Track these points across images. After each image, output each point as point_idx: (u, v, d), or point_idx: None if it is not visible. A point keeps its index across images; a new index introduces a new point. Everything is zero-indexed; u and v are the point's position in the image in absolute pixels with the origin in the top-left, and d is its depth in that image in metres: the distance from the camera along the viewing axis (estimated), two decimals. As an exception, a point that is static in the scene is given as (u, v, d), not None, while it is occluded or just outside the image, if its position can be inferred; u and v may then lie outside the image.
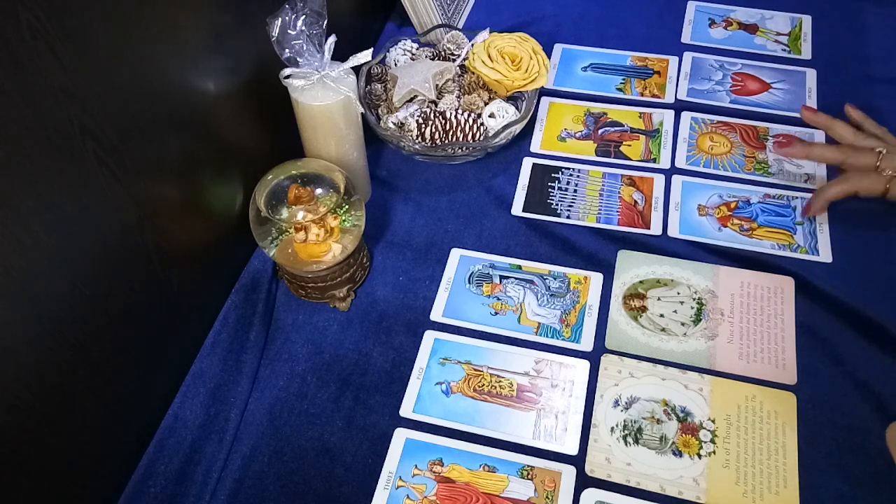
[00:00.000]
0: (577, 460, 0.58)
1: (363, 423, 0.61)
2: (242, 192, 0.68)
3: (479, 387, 0.62)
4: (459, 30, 0.88)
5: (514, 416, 0.61)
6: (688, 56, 0.91)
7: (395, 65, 0.85)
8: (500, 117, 0.79)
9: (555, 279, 0.70)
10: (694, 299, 0.67)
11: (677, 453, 0.58)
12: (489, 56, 0.79)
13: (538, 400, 0.61)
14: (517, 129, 0.78)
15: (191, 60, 0.57)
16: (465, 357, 0.64)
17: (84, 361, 0.50)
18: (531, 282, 0.70)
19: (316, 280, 0.66)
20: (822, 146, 0.75)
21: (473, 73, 0.81)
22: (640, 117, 0.84)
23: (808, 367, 0.62)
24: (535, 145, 0.82)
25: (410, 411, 0.61)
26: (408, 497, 0.57)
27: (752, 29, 0.95)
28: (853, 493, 0.55)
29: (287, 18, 0.59)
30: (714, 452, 0.58)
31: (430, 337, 0.66)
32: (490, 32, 0.83)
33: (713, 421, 0.59)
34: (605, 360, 0.64)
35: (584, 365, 0.63)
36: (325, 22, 0.61)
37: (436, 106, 0.80)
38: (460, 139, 0.76)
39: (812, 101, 0.85)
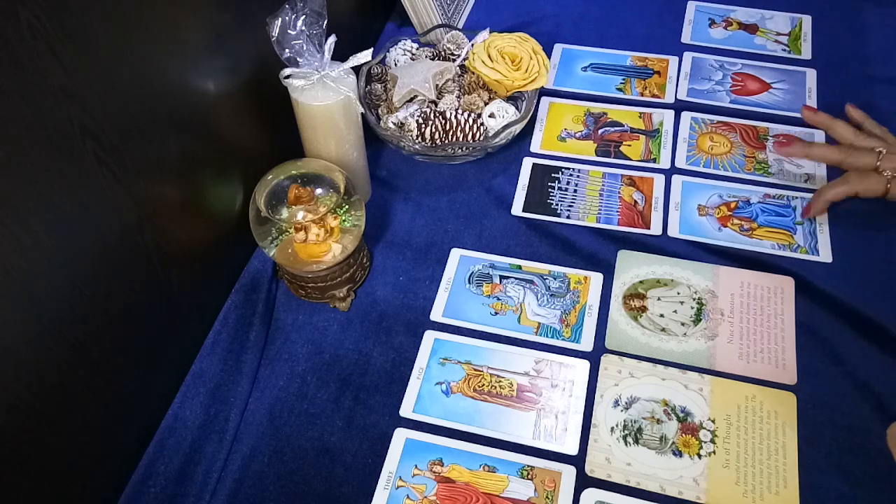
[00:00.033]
0: (577, 460, 0.58)
1: (363, 423, 0.61)
2: (242, 192, 0.68)
3: (479, 387, 0.62)
4: (459, 30, 0.88)
5: (514, 416, 0.61)
6: (688, 56, 0.91)
7: (395, 65, 0.85)
8: (500, 117, 0.79)
9: (555, 279, 0.70)
10: (694, 299, 0.67)
11: (677, 453, 0.58)
12: (489, 56, 0.79)
13: (538, 400, 0.61)
14: (517, 129, 0.78)
15: (191, 60, 0.57)
16: (465, 357, 0.64)
17: (84, 361, 0.50)
18: (531, 282, 0.70)
19: (316, 280, 0.66)
20: (821, 146, 0.75)
21: (473, 73, 0.81)
22: (640, 117, 0.84)
23: (808, 367, 0.62)
24: (535, 145, 0.82)
25: (410, 411, 0.61)
26: (408, 497, 0.57)
27: (752, 29, 0.95)
28: (853, 493, 0.55)
29: (287, 18, 0.59)
30: (714, 452, 0.58)
31: (430, 337, 0.66)
32: (490, 32, 0.83)
33: (713, 421, 0.60)
34: (605, 360, 0.64)
35: (584, 365, 0.63)
36: (325, 22, 0.61)
37: (436, 106, 0.80)
38: (460, 139, 0.76)
39: (812, 102, 0.85)
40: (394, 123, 0.79)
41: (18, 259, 0.42)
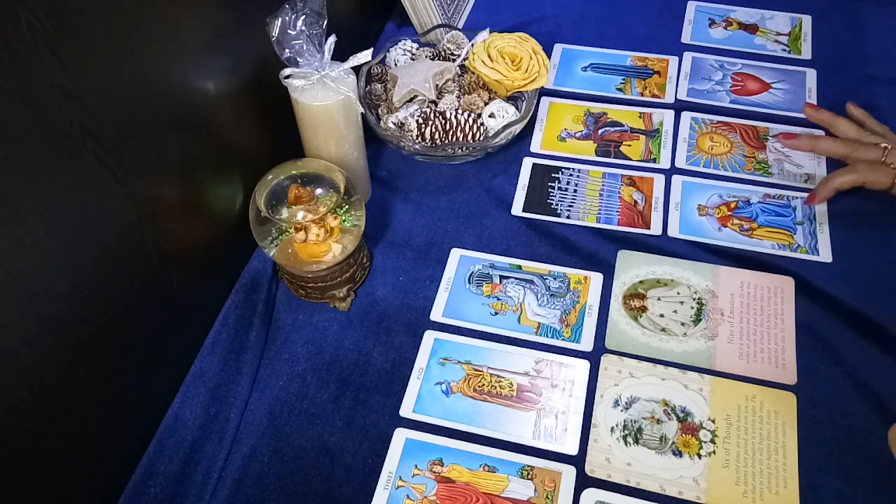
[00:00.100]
0: (577, 460, 0.58)
1: (363, 423, 0.61)
2: (242, 192, 0.68)
3: (479, 387, 0.62)
4: (459, 30, 0.88)
5: (514, 416, 0.61)
6: (688, 56, 0.91)
7: (395, 65, 0.85)
8: (500, 117, 0.79)
9: (555, 279, 0.70)
10: (694, 299, 0.67)
11: (677, 453, 0.58)
12: (489, 56, 0.79)
13: (538, 400, 0.61)
14: (517, 129, 0.78)
15: (191, 60, 0.57)
16: (465, 357, 0.64)
17: (84, 361, 0.50)
18: (531, 282, 0.69)
19: (316, 280, 0.66)
20: (828, 139, 0.75)
21: (473, 73, 0.81)
22: (640, 117, 0.84)
23: (808, 367, 0.62)
24: (535, 145, 0.82)
25: (410, 411, 0.61)
26: (408, 497, 0.57)
27: (752, 29, 0.95)
28: (853, 493, 0.55)
29: (287, 18, 0.59)
30: (714, 452, 0.58)
31: (430, 337, 0.66)
32: (490, 32, 0.83)
33: (713, 421, 0.59)
34: (605, 360, 0.64)
35: (584, 365, 0.63)
36: (325, 22, 0.61)
37: (436, 106, 0.80)
38: (460, 139, 0.76)
39: (812, 101, 0.85)
40: (394, 123, 0.79)
41: (18, 259, 0.42)
